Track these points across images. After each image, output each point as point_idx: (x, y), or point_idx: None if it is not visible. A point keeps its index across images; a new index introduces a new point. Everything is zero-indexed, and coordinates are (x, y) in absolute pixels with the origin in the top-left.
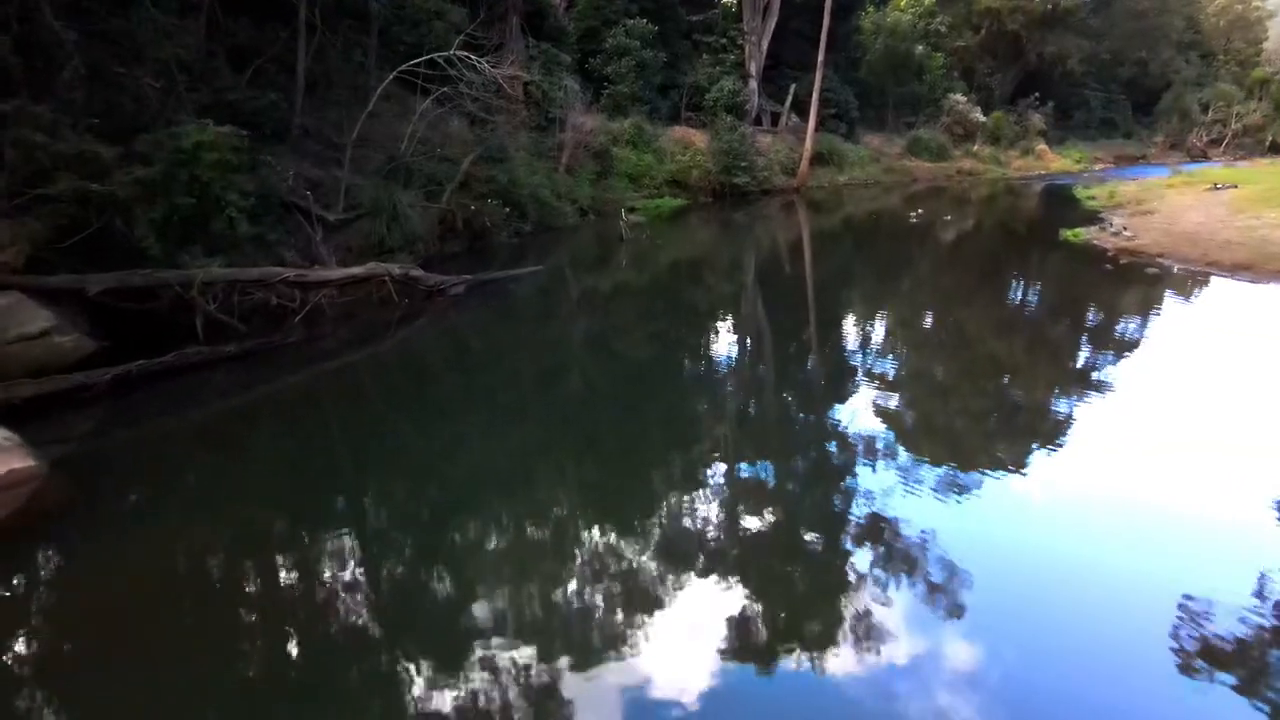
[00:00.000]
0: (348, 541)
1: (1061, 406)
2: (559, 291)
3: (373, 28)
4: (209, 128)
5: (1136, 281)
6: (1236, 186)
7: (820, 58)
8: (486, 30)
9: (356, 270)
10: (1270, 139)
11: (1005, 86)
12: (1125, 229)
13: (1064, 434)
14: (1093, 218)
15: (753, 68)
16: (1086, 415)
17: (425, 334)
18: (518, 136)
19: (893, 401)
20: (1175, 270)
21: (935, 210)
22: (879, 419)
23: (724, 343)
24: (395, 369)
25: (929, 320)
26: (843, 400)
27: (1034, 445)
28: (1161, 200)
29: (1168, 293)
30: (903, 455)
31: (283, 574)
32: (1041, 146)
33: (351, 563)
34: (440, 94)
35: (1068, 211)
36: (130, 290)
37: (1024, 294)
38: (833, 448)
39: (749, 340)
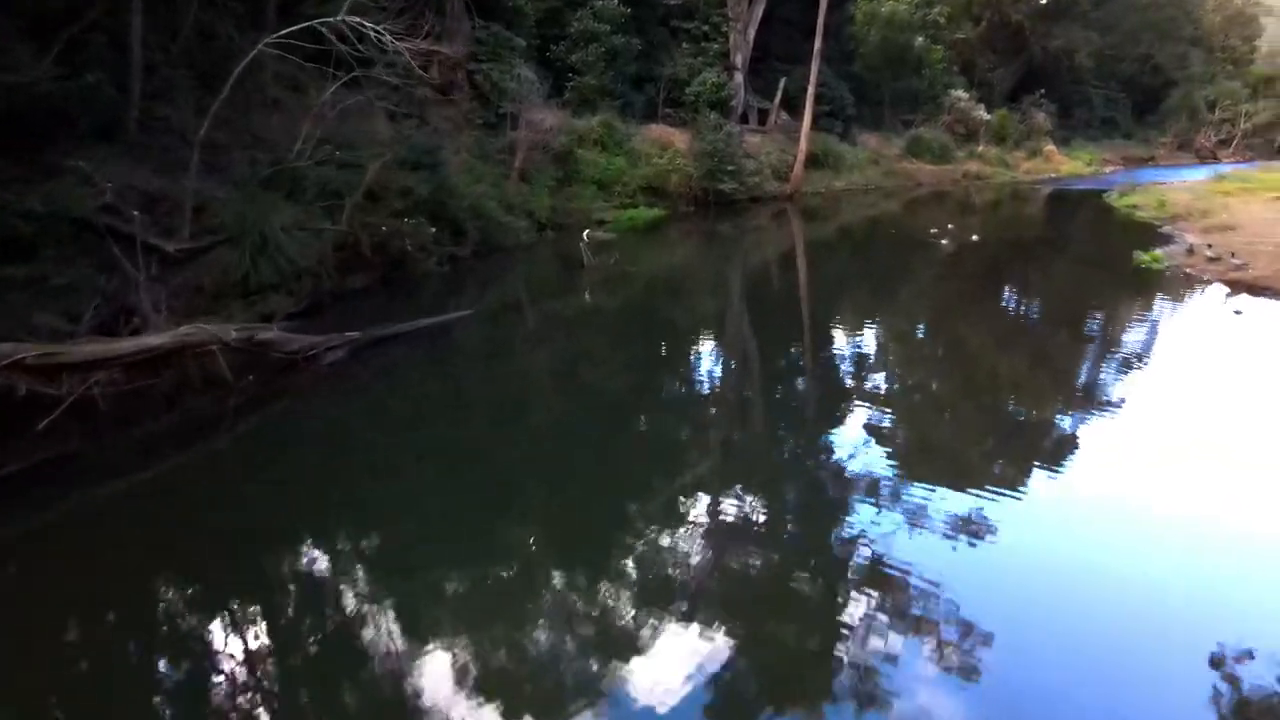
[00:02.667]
0: None
1: None
2: (487, 351)
3: None
4: None
5: None
6: None
7: (817, 45)
8: (422, 5)
9: (156, 340)
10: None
11: (1006, 82)
12: (1219, 252)
13: None
14: (1153, 234)
15: (738, 59)
16: None
17: (258, 441)
18: (459, 136)
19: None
20: None
21: (958, 226)
22: None
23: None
24: (195, 508)
25: (1023, 420)
26: None
27: None
28: (1228, 211)
29: None
30: None
31: None
32: (1049, 147)
33: None
34: (350, 79)
35: (1113, 225)
36: None
37: (1142, 360)
38: None
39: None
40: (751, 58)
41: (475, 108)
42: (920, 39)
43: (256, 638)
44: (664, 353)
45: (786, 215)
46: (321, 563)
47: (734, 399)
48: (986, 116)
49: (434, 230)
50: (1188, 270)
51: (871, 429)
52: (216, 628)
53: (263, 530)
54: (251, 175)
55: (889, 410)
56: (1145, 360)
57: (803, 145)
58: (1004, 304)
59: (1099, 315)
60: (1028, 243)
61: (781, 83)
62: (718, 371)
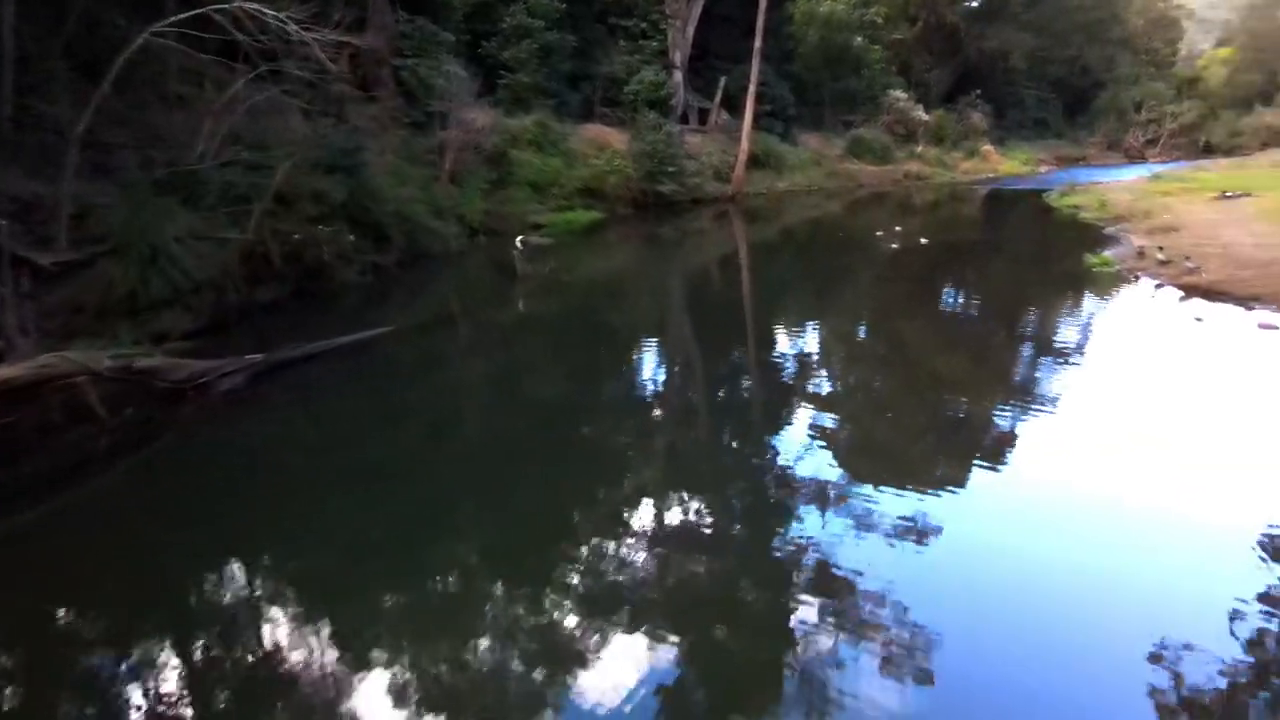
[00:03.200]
0: None
1: None
2: (410, 370)
3: None
4: None
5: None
6: (1249, 195)
7: (757, 44)
8: None
9: (9, 372)
10: (1204, 139)
11: (943, 83)
12: (1171, 255)
13: None
14: (1098, 235)
15: (677, 57)
16: None
17: (136, 481)
18: (384, 136)
19: None
20: None
21: (904, 228)
22: None
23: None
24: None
25: (985, 433)
26: None
27: None
28: (1171, 212)
29: None
30: None
31: None
32: (986, 147)
33: None
34: (261, 74)
35: (1057, 227)
36: None
37: (1101, 368)
38: None
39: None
40: (690, 56)
41: (401, 106)
42: (859, 39)
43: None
44: (601, 367)
45: (729, 217)
46: (230, 600)
47: (675, 411)
48: (925, 117)
49: (353, 238)
50: (1139, 273)
51: (818, 435)
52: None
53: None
54: (143, 178)
55: (837, 418)
56: (1104, 368)
57: (744, 145)
58: (954, 309)
59: (1053, 321)
60: (975, 245)
61: (722, 82)
62: (658, 384)
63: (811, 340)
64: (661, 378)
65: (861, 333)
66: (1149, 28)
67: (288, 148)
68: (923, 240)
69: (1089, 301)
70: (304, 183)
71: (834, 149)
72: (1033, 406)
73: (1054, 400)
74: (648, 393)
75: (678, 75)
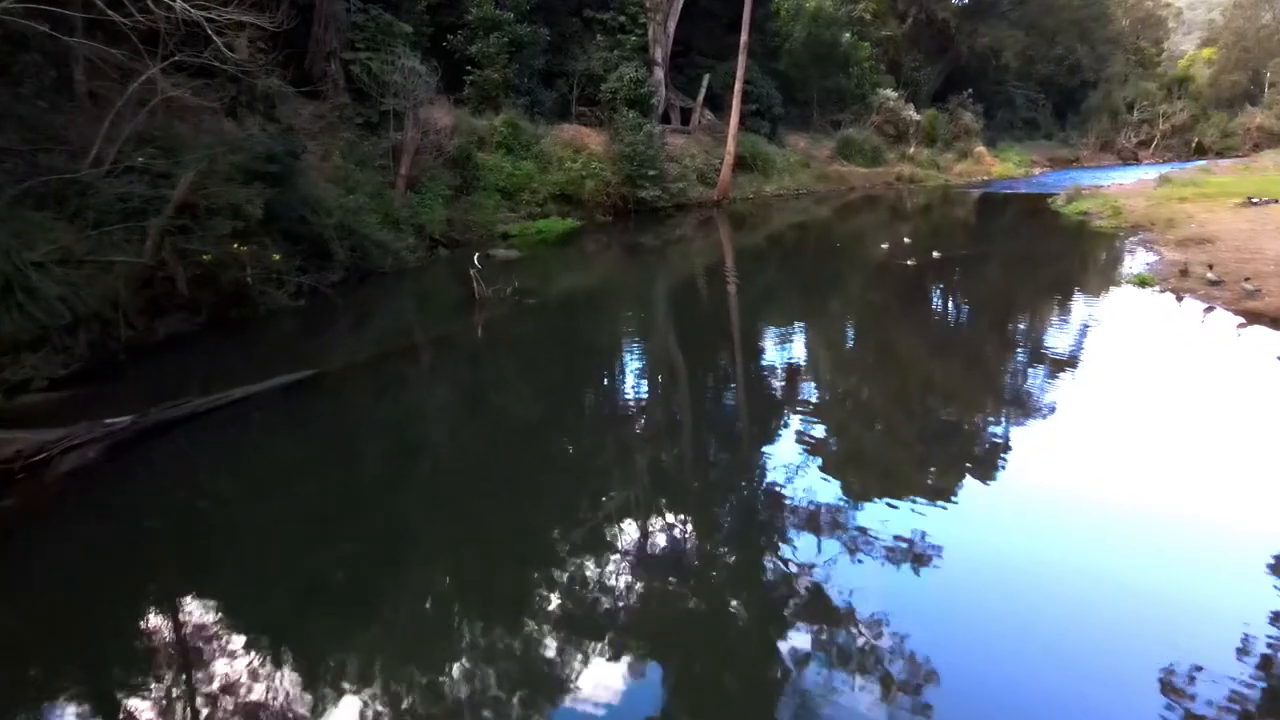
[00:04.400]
0: None
1: None
2: (319, 435)
3: None
4: None
5: None
6: (1278, 201)
7: (743, 38)
8: None
9: None
10: (1196, 140)
11: (933, 82)
12: (1224, 274)
13: None
14: (1119, 247)
15: (658, 53)
16: None
17: None
18: (330, 138)
19: None
20: None
21: (912, 239)
22: None
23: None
24: None
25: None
26: None
27: None
28: (1196, 221)
29: None
30: None
31: None
32: (980, 149)
33: None
34: (179, 67)
35: (1072, 236)
36: None
37: (1201, 437)
38: None
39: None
40: (672, 52)
41: (349, 104)
42: (847, 35)
43: None
44: (565, 424)
45: (715, 224)
46: None
47: (657, 509)
48: (916, 117)
49: (279, 256)
50: (1184, 294)
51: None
52: None
53: None
54: (2, 190)
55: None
56: (1194, 427)
57: (730, 147)
58: (994, 337)
59: (1112, 356)
60: (992, 259)
61: (705, 79)
62: (638, 466)
63: (836, 404)
64: (643, 455)
65: (897, 383)
66: (1135, 27)
67: (199, 152)
68: (935, 254)
69: (1139, 331)
70: (222, 193)
71: (823, 150)
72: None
73: (1149, 473)
74: (624, 478)
75: (659, 72)
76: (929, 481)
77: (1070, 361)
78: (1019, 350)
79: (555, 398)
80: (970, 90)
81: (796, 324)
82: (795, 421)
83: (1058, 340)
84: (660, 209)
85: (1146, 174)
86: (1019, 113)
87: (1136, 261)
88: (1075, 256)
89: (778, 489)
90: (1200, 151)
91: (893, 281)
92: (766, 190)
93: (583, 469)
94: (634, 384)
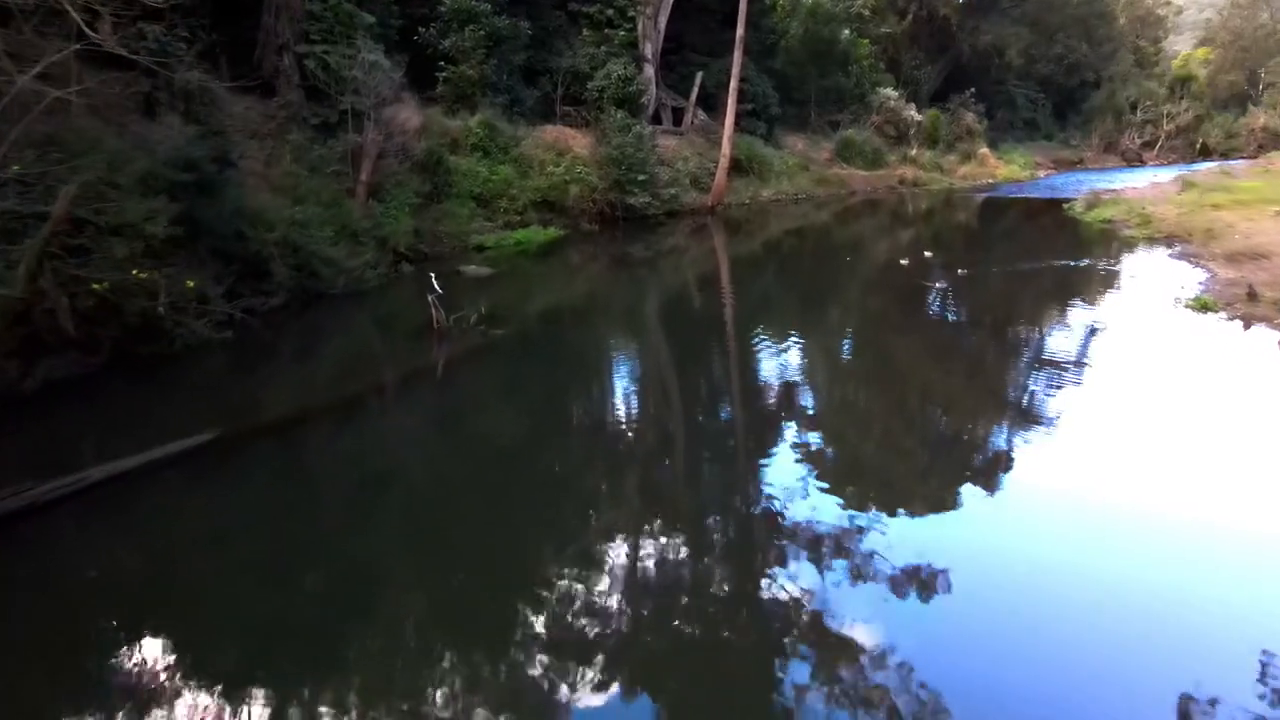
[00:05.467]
0: None
1: None
2: (193, 536)
3: None
4: None
5: None
6: None
7: (739, 32)
8: None
9: None
10: (1201, 142)
11: (933, 81)
12: None
13: None
14: (1155, 261)
15: (648, 50)
16: None
17: None
18: (279, 141)
19: None
20: None
21: (930, 250)
22: None
23: None
24: None
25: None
26: None
27: None
28: (1238, 231)
29: None
30: None
31: None
32: (983, 150)
33: None
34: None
35: (1099, 246)
36: None
37: None
38: None
39: None
40: (663, 49)
41: (303, 102)
42: (846, 31)
43: None
44: (536, 519)
45: (710, 233)
46: None
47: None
48: (918, 117)
49: (192, 283)
50: (1261, 325)
51: None
52: None
53: None
54: None
55: None
56: None
57: (725, 149)
58: (1057, 379)
59: (1203, 408)
60: (1025, 277)
61: (698, 77)
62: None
63: (888, 486)
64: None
65: (959, 454)
66: (1135, 26)
67: (89, 159)
68: (960, 271)
69: (1228, 375)
70: (126, 209)
71: (821, 152)
72: None
73: None
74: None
75: (649, 69)
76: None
77: (1156, 415)
78: (1088, 394)
79: (513, 480)
80: (973, 90)
81: (819, 367)
82: (834, 512)
83: (1131, 386)
84: (650, 216)
85: (1156, 176)
86: (1020, 113)
87: (1184, 279)
88: (1114, 273)
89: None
90: (1205, 153)
91: (920, 306)
92: (763, 195)
93: (549, 583)
94: (616, 459)
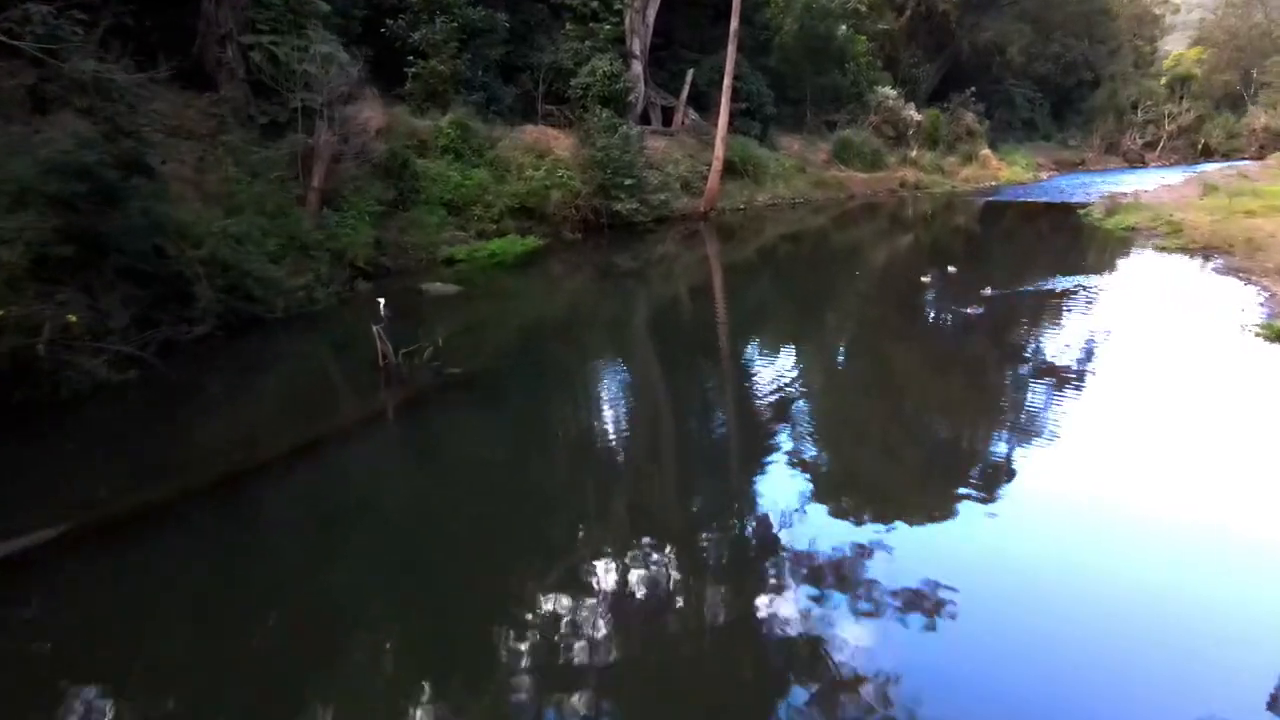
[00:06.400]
0: None
1: None
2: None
3: None
4: None
5: None
6: None
7: (733, 26)
8: None
9: None
10: (1202, 142)
11: (931, 80)
12: None
13: None
14: (1200, 276)
15: (636, 45)
16: None
17: None
18: (219, 142)
19: None
20: None
21: (952, 264)
22: None
23: None
24: None
25: None
26: None
27: None
28: (1278, 240)
29: None
30: None
31: None
32: (985, 152)
33: None
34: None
35: (1124, 258)
36: None
37: None
38: None
39: None
40: (652, 44)
41: (244, 98)
42: (843, 27)
43: None
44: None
45: (703, 240)
46: None
47: None
48: (917, 117)
49: (75, 317)
50: None
51: None
52: None
53: None
54: None
55: None
56: None
57: (719, 151)
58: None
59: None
60: (1060, 297)
61: (689, 75)
62: None
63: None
64: None
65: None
66: (1132, 25)
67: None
68: (987, 291)
69: None
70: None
71: (818, 153)
72: None
73: None
74: None
75: (637, 66)
76: None
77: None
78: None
79: (468, 609)
80: (973, 89)
81: (837, 414)
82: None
83: (1242, 446)
84: (638, 223)
85: (1164, 178)
86: (1018, 113)
87: (1241, 300)
88: (1157, 293)
89: None
90: (1206, 153)
91: (955, 340)
92: (759, 199)
93: None
94: (613, 566)
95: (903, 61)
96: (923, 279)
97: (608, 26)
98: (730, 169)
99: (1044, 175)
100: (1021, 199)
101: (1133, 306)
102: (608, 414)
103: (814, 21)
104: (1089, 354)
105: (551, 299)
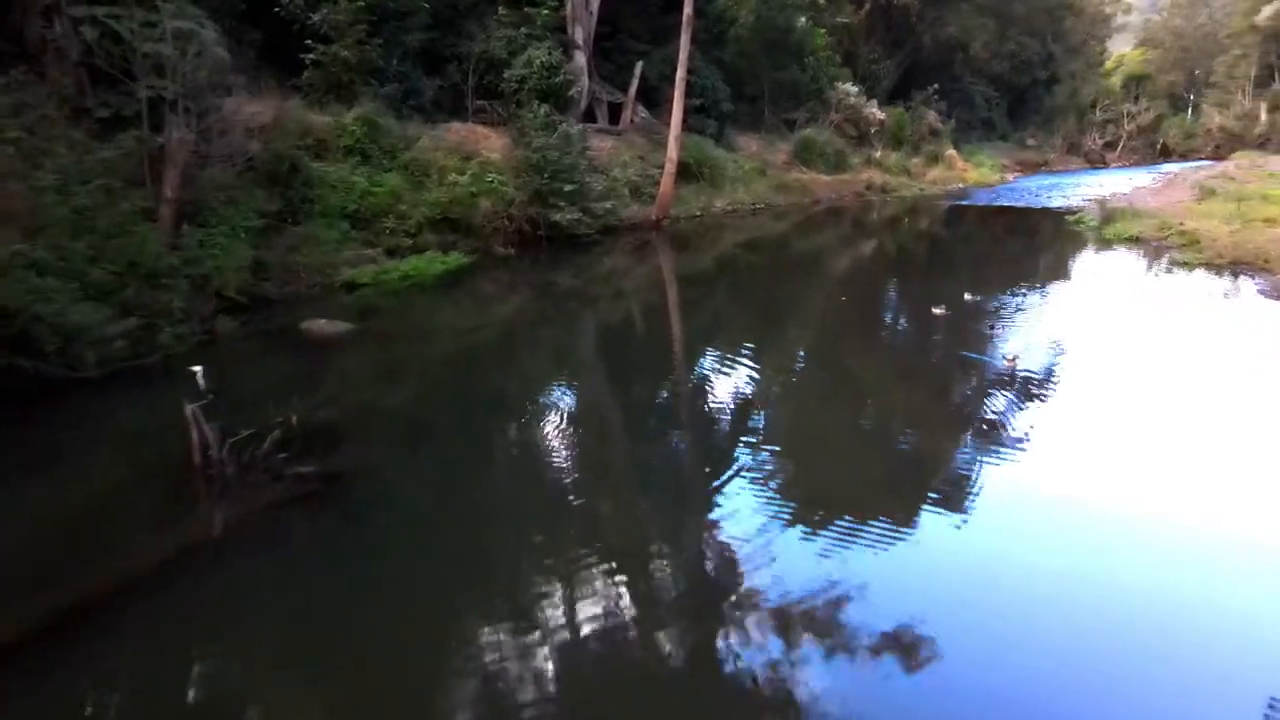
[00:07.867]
0: None
1: None
2: None
3: None
4: None
5: None
6: None
7: (686, 12)
8: None
9: None
10: (1161, 142)
11: (891, 76)
12: None
13: None
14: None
15: (579, 34)
16: None
17: None
18: (39, 141)
19: None
20: None
21: (939, 275)
22: None
23: None
24: None
25: None
26: None
27: None
28: None
29: None
30: None
31: None
32: (950, 152)
33: None
34: None
35: (1142, 278)
36: None
37: None
38: None
39: None
40: (597, 34)
41: (76, 86)
42: (802, 19)
43: None
44: None
45: (655, 254)
46: None
47: None
48: (880, 115)
49: None
50: None
51: None
52: None
53: None
54: None
55: None
56: None
57: (672, 152)
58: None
59: None
60: (1093, 340)
61: (638, 67)
62: None
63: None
64: None
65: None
66: (1084, 24)
67: None
68: (991, 326)
69: None
70: None
71: (778, 154)
72: None
73: None
74: None
75: (579, 57)
76: None
77: None
78: None
79: None
80: (935, 86)
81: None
82: None
83: None
84: (581, 235)
85: (1132, 178)
86: (977, 112)
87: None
88: (1210, 326)
89: None
90: (1165, 153)
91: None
92: (716, 205)
93: None
94: None
95: (862, 57)
96: (935, 310)
97: (545, 12)
98: (685, 172)
99: (1010, 176)
100: (995, 203)
101: (1184, 345)
102: (535, 535)
103: (772, 12)
104: (1156, 419)
105: (474, 334)
